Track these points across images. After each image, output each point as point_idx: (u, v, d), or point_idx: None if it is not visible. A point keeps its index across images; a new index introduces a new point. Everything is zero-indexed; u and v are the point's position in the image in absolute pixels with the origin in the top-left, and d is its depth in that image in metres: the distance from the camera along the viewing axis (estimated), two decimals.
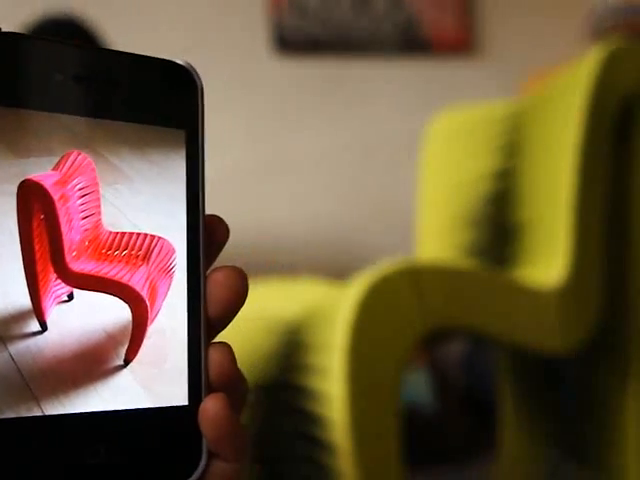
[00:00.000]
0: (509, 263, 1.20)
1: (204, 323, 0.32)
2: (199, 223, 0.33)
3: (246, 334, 1.00)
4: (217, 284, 0.32)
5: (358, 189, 2.27)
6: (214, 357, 0.32)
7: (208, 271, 0.33)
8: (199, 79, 0.34)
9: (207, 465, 0.32)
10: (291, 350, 0.91)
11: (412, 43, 2.28)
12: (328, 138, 2.26)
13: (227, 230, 0.34)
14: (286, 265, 2.15)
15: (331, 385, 0.80)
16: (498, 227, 1.26)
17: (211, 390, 0.32)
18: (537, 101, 1.25)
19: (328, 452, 0.82)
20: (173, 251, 0.32)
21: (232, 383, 0.33)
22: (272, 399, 0.95)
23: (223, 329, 0.34)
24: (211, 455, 0.32)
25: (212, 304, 0.32)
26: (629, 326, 1.13)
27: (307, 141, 2.25)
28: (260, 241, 2.15)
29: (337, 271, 2.07)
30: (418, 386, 1.91)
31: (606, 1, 2.06)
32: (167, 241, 0.32)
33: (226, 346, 0.33)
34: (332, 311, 0.86)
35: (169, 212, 0.32)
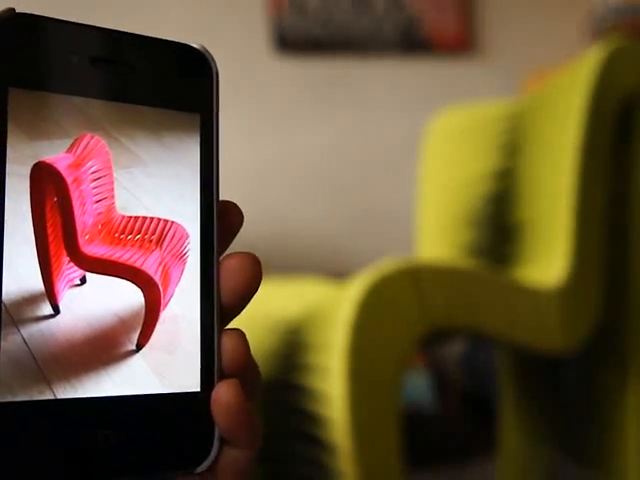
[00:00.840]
0: (509, 263, 1.20)
1: (217, 309, 0.32)
2: (213, 208, 0.32)
3: (247, 333, 0.99)
4: (230, 270, 0.32)
5: (358, 188, 2.27)
6: (227, 344, 0.32)
7: (221, 257, 0.33)
8: (214, 63, 0.33)
9: (219, 452, 0.32)
10: (291, 350, 0.91)
11: (412, 43, 2.28)
12: (328, 137, 2.26)
13: (241, 216, 0.34)
14: (286, 265, 2.15)
15: (331, 385, 0.80)
16: (498, 227, 1.26)
17: (224, 377, 0.32)
18: (537, 101, 1.25)
19: (328, 452, 0.82)
20: (187, 236, 0.32)
21: (245, 370, 0.32)
22: (272, 398, 0.95)
23: (236, 315, 0.33)
24: (223, 442, 0.32)
25: (225, 290, 0.32)
26: (629, 326, 1.13)
27: (307, 140, 2.25)
28: (260, 240, 2.14)
29: (337, 271, 2.07)
30: (418, 386, 1.91)
31: (606, 1, 2.06)
32: (180, 226, 0.32)
33: (239, 333, 0.32)
34: (332, 311, 0.86)
35: (183, 196, 0.32)
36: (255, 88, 2.22)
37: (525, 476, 1.37)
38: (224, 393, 0.31)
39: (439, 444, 1.82)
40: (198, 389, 0.31)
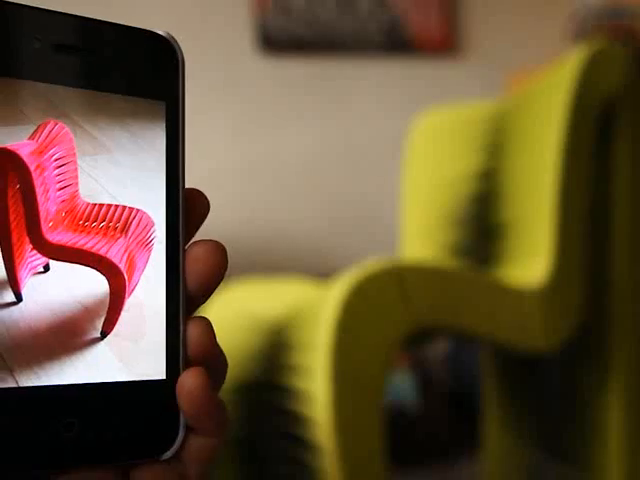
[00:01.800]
0: (492, 263, 1.20)
1: (183, 297, 0.32)
2: (179, 196, 0.32)
3: (230, 333, 0.99)
4: (196, 258, 0.32)
5: (342, 188, 2.27)
6: (193, 331, 0.32)
7: (187, 245, 0.32)
8: (180, 50, 0.33)
9: (184, 440, 0.31)
10: (275, 350, 0.91)
11: (396, 43, 2.28)
12: (312, 137, 2.26)
13: (207, 204, 0.34)
14: (271, 265, 2.15)
15: (315, 385, 0.80)
16: (482, 227, 1.27)
17: (190, 365, 0.31)
18: (520, 101, 1.25)
19: (312, 452, 0.81)
20: (152, 224, 0.31)
21: (211, 358, 0.32)
22: (256, 399, 0.95)
23: (203, 304, 0.33)
24: (189, 430, 0.32)
25: (191, 278, 0.32)
26: (611, 326, 1.14)
27: (291, 141, 2.24)
28: (244, 241, 2.14)
29: (322, 271, 2.07)
30: (402, 386, 1.92)
31: (588, 3, 2.08)
32: (146, 214, 0.31)
33: (205, 321, 0.32)
34: (316, 311, 0.86)
35: (148, 184, 0.32)
36: (239, 88, 2.21)
37: (508, 475, 1.38)
38: (189, 380, 0.31)
39: (423, 444, 1.82)
40: (163, 377, 0.31)
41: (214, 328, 0.32)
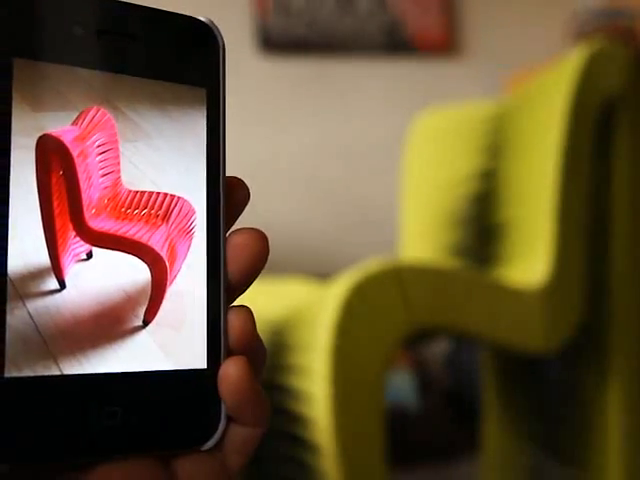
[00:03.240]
0: (492, 263, 1.20)
1: (224, 285, 0.32)
2: (219, 183, 0.32)
3: None
4: (237, 246, 0.32)
5: (342, 188, 2.27)
6: (234, 321, 0.31)
7: (228, 233, 0.32)
8: (221, 36, 0.33)
9: (226, 430, 0.31)
10: (275, 350, 0.91)
11: (396, 43, 2.28)
12: (312, 137, 2.26)
13: (248, 192, 0.34)
14: (270, 265, 2.15)
15: (315, 385, 0.80)
16: (481, 227, 1.27)
17: (231, 354, 0.31)
18: (520, 102, 1.25)
19: (312, 452, 0.81)
20: (193, 212, 0.31)
21: (252, 347, 0.32)
22: None
23: (243, 292, 0.33)
24: (230, 420, 0.31)
25: (232, 266, 0.32)
26: (610, 326, 1.14)
27: (291, 141, 2.24)
28: None
29: (321, 271, 2.07)
30: (402, 386, 1.92)
31: (588, 4, 2.08)
32: (187, 201, 0.31)
33: (246, 309, 0.32)
34: (316, 311, 0.86)
35: (189, 171, 0.31)
36: (240, 88, 2.21)
37: (508, 475, 1.38)
38: (232, 370, 0.30)
39: (423, 444, 1.82)
40: (205, 366, 0.31)
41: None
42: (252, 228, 0.32)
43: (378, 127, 2.28)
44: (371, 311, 0.84)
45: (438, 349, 2.15)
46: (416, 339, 1.08)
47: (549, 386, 1.31)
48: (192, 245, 0.31)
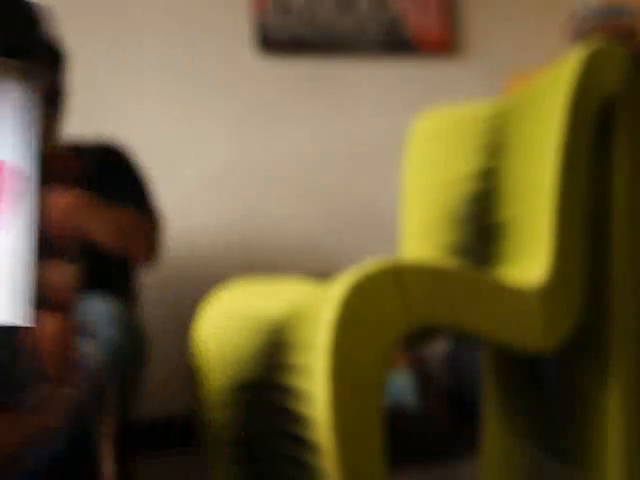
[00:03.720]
0: (492, 262, 1.20)
1: (34, 238, 0.31)
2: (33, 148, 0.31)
3: (230, 333, 0.99)
4: (51, 204, 0.32)
5: (342, 188, 2.27)
6: (53, 277, 0.31)
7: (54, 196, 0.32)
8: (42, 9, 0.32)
9: (38, 388, 0.31)
10: (275, 349, 0.91)
11: (396, 43, 2.28)
12: (312, 137, 2.26)
13: (75, 161, 0.34)
14: (270, 265, 2.15)
15: (315, 385, 0.80)
16: (481, 227, 1.27)
17: (48, 310, 0.31)
18: (520, 101, 1.25)
19: (312, 451, 0.81)
20: (10, 170, 0.31)
21: (69, 305, 0.32)
22: (256, 399, 0.95)
23: (65, 249, 0.33)
24: (43, 378, 0.31)
25: (45, 220, 0.32)
26: (610, 326, 1.14)
27: (291, 140, 2.25)
28: (244, 241, 2.14)
29: (321, 271, 2.07)
30: (402, 386, 1.92)
31: (587, 3, 2.08)
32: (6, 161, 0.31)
33: (65, 267, 0.32)
34: (316, 311, 0.86)
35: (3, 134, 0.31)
36: (239, 88, 2.21)
37: (508, 475, 1.38)
38: (50, 325, 0.30)
39: (423, 444, 1.82)
40: (18, 321, 0.30)
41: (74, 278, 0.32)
42: (70, 187, 0.33)
43: (378, 127, 2.28)
44: (371, 310, 0.84)
45: (438, 348, 2.15)
46: (416, 338, 1.08)
47: (549, 386, 1.31)
48: (2, 202, 0.31)
